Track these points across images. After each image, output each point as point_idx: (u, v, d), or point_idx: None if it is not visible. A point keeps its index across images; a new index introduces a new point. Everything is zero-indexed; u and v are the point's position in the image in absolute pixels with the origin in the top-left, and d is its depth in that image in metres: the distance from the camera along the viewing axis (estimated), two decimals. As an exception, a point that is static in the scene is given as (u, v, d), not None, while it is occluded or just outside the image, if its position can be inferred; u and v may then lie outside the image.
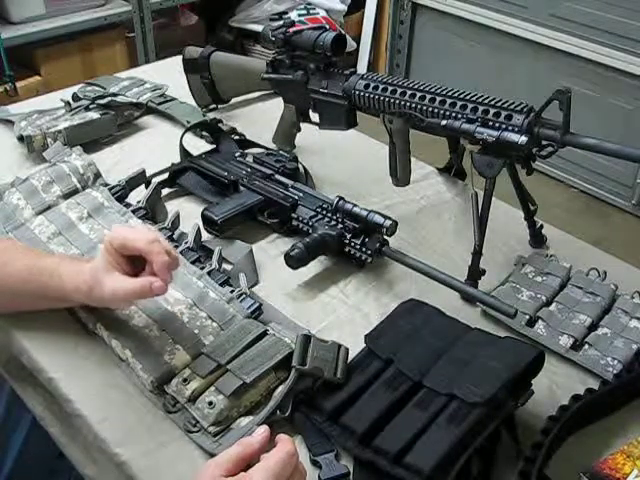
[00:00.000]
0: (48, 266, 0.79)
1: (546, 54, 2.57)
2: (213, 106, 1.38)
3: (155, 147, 1.26)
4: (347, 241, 0.94)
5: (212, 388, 0.73)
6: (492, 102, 0.87)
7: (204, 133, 1.26)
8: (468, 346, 0.75)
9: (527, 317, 0.87)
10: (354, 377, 0.74)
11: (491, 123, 0.86)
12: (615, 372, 0.79)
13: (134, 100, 1.34)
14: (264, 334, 0.78)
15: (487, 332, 0.78)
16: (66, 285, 0.77)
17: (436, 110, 0.92)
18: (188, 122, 1.28)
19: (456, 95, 0.91)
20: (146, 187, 1.05)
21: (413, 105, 0.94)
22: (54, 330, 0.83)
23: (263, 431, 0.62)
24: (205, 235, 0.99)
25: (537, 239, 1.03)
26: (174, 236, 0.96)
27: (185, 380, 0.74)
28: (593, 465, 0.68)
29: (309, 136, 1.21)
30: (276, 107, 1.22)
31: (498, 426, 0.69)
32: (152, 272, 0.73)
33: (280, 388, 0.74)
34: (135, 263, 0.76)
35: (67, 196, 1.01)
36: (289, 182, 1.05)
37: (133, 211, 0.97)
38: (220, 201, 1.04)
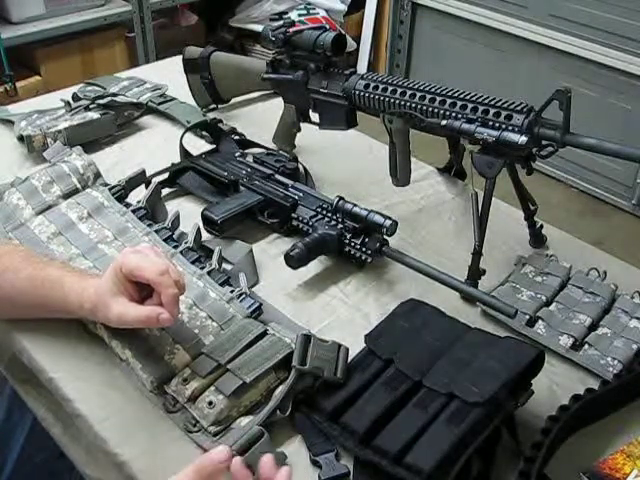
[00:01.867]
0: (51, 279, 0.78)
1: (546, 54, 2.57)
2: (213, 106, 1.38)
3: (155, 147, 1.26)
4: (347, 241, 0.94)
5: (212, 388, 0.73)
6: (492, 102, 0.87)
7: (204, 133, 1.27)
8: (468, 346, 0.75)
9: (527, 317, 0.87)
10: (354, 377, 0.74)
11: (491, 123, 0.86)
12: (615, 372, 0.79)
13: (134, 100, 1.34)
14: (264, 334, 0.78)
15: (487, 332, 0.78)
16: (70, 300, 0.77)
17: (436, 110, 0.92)
18: (188, 122, 1.28)
19: (456, 95, 0.91)
20: (146, 187, 1.05)
21: (413, 105, 0.94)
22: (54, 330, 0.82)
23: (224, 450, 0.60)
24: (205, 235, 0.99)
25: (537, 239, 1.03)
26: (174, 236, 0.96)
27: (185, 380, 0.74)
28: (593, 465, 0.68)
29: (309, 136, 1.21)
30: (276, 107, 1.22)
31: (498, 426, 0.69)
32: (159, 301, 0.73)
33: (280, 388, 0.74)
34: (142, 288, 0.75)
35: (67, 196, 1.00)
36: (289, 182, 1.05)
37: (133, 211, 0.97)
38: (220, 201, 1.04)
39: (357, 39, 3.33)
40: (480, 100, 0.88)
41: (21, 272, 0.80)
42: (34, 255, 0.85)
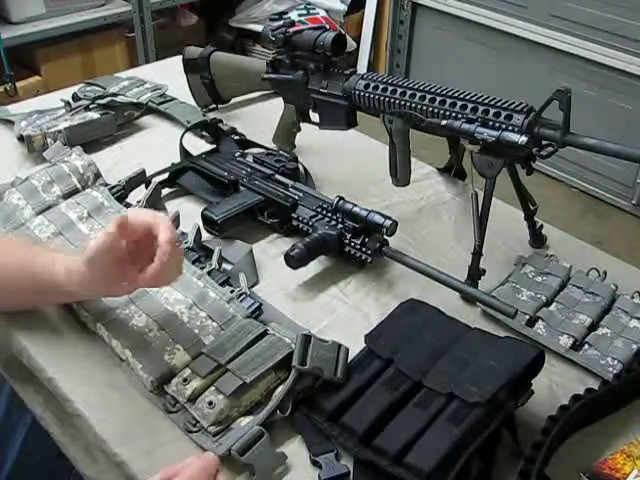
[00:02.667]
0: (42, 258, 0.79)
1: (546, 54, 2.57)
2: (213, 106, 1.38)
3: (155, 147, 1.26)
4: (347, 241, 0.94)
5: (212, 388, 0.73)
6: (492, 102, 0.87)
7: (204, 133, 1.26)
8: (468, 346, 0.75)
9: (527, 317, 0.87)
10: (354, 377, 0.74)
11: (491, 123, 0.86)
12: (615, 372, 0.79)
13: (134, 100, 1.34)
14: (264, 334, 0.78)
15: (487, 332, 0.78)
16: (57, 270, 0.76)
17: (436, 110, 0.92)
18: (188, 122, 1.28)
19: (456, 95, 0.90)
20: (146, 187, 1.05)
21: (413, 105, 0.94)
22: (54, 330, 0.83)
23: (189, 461, 0.65)
24: (205, 235, 0.99)
25: (537, 239, 1.03)
26: (174, 236, 0.96)
27: (185, 380, 0.74)
28: (593, 465, 0.68)
29: (309, 136, 1.21)
30: (276, 107, 1.22)
31: (498, 426, 0.69)
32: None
33: (280, 388, 0.74)
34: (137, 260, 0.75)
35: (67, 196, 1.01)
36: (289, 182, 1.05)
37: (133, 211, 0.97)
38: (220, 201, 1.04)
39: (357, 39, 3.33)
40: (480, 100, 0.88)
41: (12, 256, 0.80)
42: (29, 244, 0.86)
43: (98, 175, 1.06)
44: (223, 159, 1.13)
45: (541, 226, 1.03)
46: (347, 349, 0.77)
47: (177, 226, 0.98)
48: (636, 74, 2.34)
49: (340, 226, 0.95)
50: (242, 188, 1.06)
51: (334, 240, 0.94)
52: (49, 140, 1.17)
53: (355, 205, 0.94)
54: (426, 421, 0.68)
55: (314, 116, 1.15)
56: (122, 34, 2.75)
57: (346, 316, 0.89)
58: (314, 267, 0.96)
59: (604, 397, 0.75)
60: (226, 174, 1.08)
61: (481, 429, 0.67)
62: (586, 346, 0.84)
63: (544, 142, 0.85)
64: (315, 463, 0.69)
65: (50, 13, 2.48)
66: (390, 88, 0.97)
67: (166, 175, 1.11)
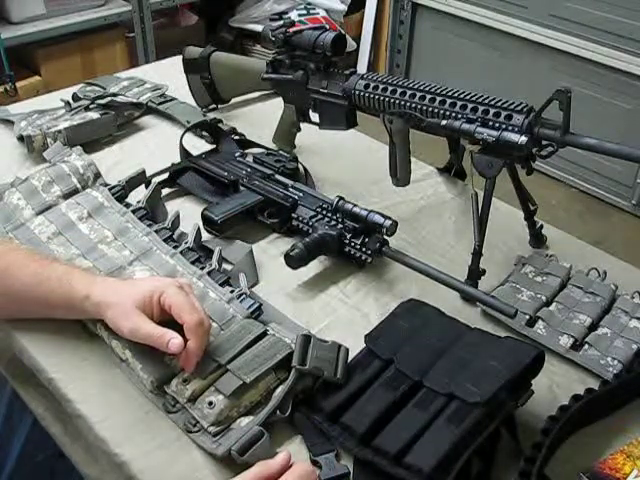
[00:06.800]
0: (58, 273, 0.79)
1: (546, 54, 2.58)
2: (213, 106, 1.38)
3: (155, 147, 1.26)
4: (347, 241, 0.94)
5: (212, 388, 0.73)
6: (492, 102, 0.87)
7: (204, 133, 1.27)
8: (468, 346, 0.75)
9: (527, 317, 0.87)
10: (354, 377, 0.74)
11: (491, 123, 0.86)
12: (615, 372, 0.79)
13: (134, 100, 1.34)
14: (264, 334, 0.78)
15: (487, 332, 0.78)
16: (76, 290, 0.77)
17: (436, 110, 0.92)
18: (188, 122, 1.28)
19: (456, 95, 0.91)
20: (146, 187, 1.05)
21: (413, 105, 0.94)
22: (54, 330, 0.82)
23: (284, 456, 0.65)
24: (205, 235, 0.99)
25: (537, 239, 1.03)
26: (174, 236, 0.96)
27: (185, 380, 0.74)
28: (593, 465, 0.68)
29: (309, 136, 1.21)
30: (276, 107, 1.22)
31: (498, 426, 0.69)
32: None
33: (280, 388, 0.74)
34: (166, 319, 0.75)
35: (67, 196, 1.00)
36: (289, 182, 1.05)
37: (133, 211, 0.97)
38: (220, 201, 1.04)
39: (357, 39, 3.33)
40: (480, 100, 0.88)
41: (26, 268, 0.80)
42: (38, 253, 0.85)
43: (98, 175, 1.06)
44: (223, 159, 1.13)
45: (541, 226, 1.03)
46: (347, 349, 0.77)
47: (177, 226, 0.98)
48: (636, 74, 2.34)
49: (340, 226, 0.95)
50: (242, 188, 1.06)
51: (334, 240, 0.94)
52: (49, 140, 1.17)
53: (355, 205, 0.94)
54: (426, 421, 0.68)
55: (314, 116, 1.15)
56: (122, 34, 2.75)
57: (346, 316, 0.89)
58: (314, 267, 0.96)
59: (604, 397, 0.75)
60: (226, 174, 1.08)
61: (481, 429, 0.67)
62: (586, 346, 0.84)
63: (544, 142, 0.85)
64: (315, 463, 0.69)
65: (50, 13, 2.48)
66: (390, 88, 0.97)
67: (166, 175, 1.11)
